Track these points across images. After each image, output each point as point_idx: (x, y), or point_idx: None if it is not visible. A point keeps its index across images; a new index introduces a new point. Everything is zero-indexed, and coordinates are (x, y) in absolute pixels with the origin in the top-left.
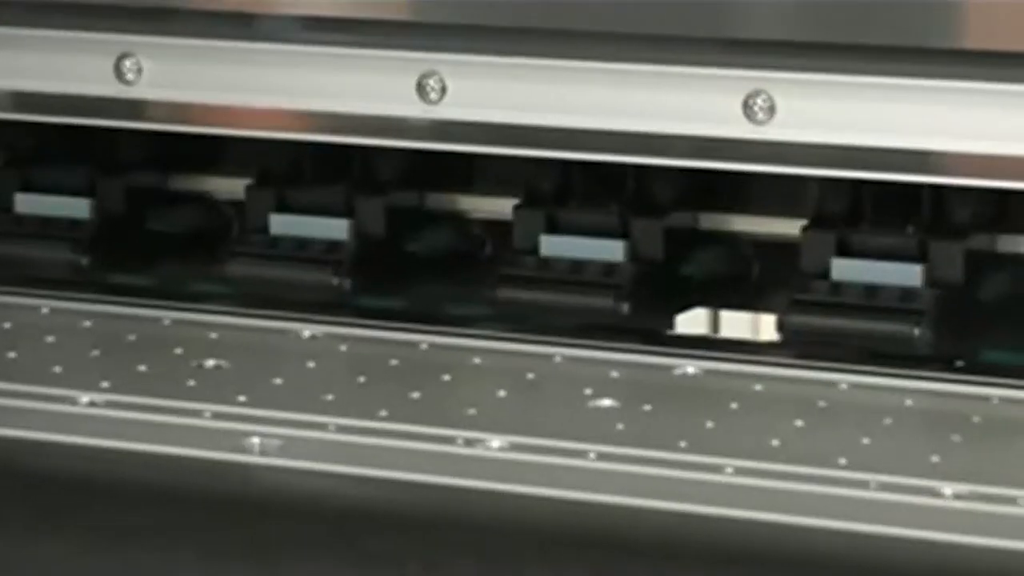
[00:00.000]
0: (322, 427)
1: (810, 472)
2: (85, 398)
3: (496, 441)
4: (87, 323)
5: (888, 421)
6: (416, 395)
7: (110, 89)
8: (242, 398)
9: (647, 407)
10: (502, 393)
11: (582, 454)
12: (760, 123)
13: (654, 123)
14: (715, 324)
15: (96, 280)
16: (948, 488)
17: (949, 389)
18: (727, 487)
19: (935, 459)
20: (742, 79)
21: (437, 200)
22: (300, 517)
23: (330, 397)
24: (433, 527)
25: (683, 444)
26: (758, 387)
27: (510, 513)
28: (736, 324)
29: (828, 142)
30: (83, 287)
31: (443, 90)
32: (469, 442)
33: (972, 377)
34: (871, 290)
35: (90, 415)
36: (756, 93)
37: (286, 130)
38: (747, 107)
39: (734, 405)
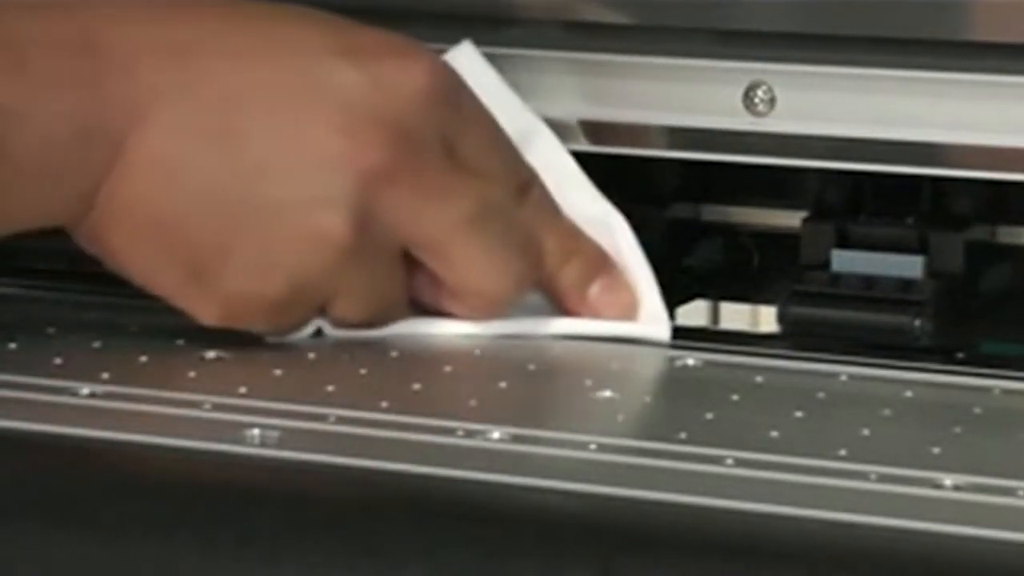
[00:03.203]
0: (323, 418)
1: (810, 463)
2: (85, 389)
3: (496, 432)
4: None
5: (888, 412)
6: (417, 386)
7: None
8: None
9: (647, 398)
10: (503, 384)
11: (582, 445)
12: (760, 115)
13: (652, 115)
14: (715, 315)
15: None
16: (949, 479)
17: (950, 380)
18: (727, 478)
19: (936, 450)
20: (743, 71)
21: None
22: (300, 508)
23: (331, 388)
24: (433, 519)
25: (683, 435)
26: (758, 379)
27: (510, 504)
28: (736, 315)
29: (829, 134)
30: None
31: None
32: (469, 433)
33: (973, 368)
34: (872, 281)
35: (91, 406)
36: (757, 85)
37: None
38: (747, 99)
39: (734, 396)
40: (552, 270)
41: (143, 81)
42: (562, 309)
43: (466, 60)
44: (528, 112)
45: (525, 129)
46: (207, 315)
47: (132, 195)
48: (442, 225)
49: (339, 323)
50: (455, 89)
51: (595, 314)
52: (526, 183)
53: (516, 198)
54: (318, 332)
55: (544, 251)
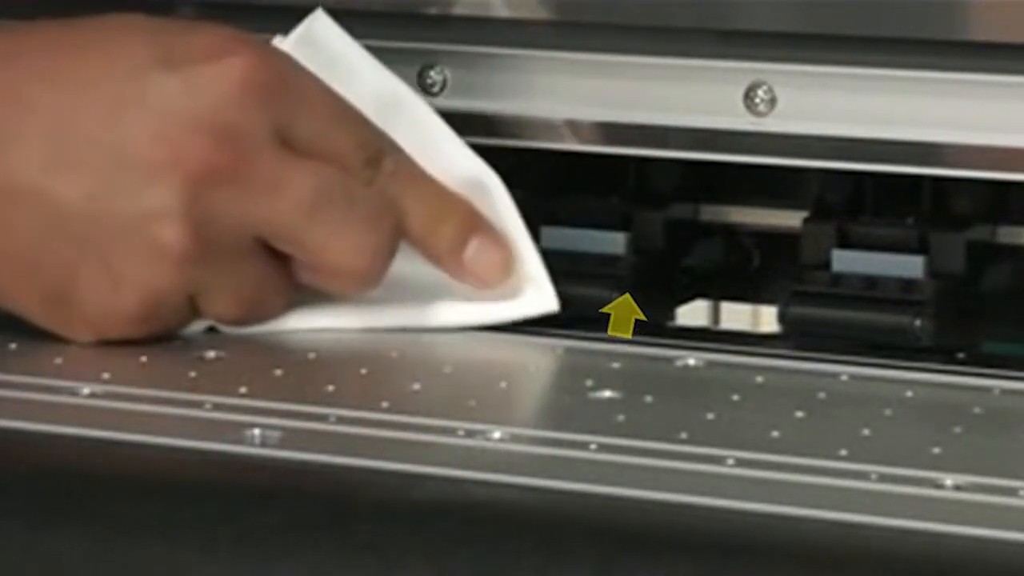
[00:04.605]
0: (323, 418)
1: (811, 463)
2: (86, 389)
3: (496, 432)
4: None
5: (889, 412)
6: (417, 386)
7: None
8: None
9: (648, 398)
10: (503, 384)
11: (582, 445)
12: (761, 115)
13: (653, 115)
14: (716, 316)
15: None
16: (949, 479)
17: (950, 380)
18: (727, 478)
19: (936, 450)
20: (743, 71)
21: None
22: (300, 508)
23: (331, 388)
24: (433, 519)
25: (683, 435)
26: (759, 378)
27: (510, 504)
28: (737, 315)
29: (829, 134)
30: None
31: None
32: (469, 433)
33: (973, 368)
34: (872, 281)
35: (91, 406)
36: (757, 85)
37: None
38: (748, 99)
39: (735, 396)
40: (423, 235)
41: None
42: (441, 272)
43: (320, 32)
44: (391, 78)
45: (389, 95)
46: (76, 334)
47: None
48: (283, 215)
49: (218, 320)
50: (279, 77)
51: (472, 275)
52: (377, 154)
53: (365, 171)
54: (211, 328)
55: (410, 219)
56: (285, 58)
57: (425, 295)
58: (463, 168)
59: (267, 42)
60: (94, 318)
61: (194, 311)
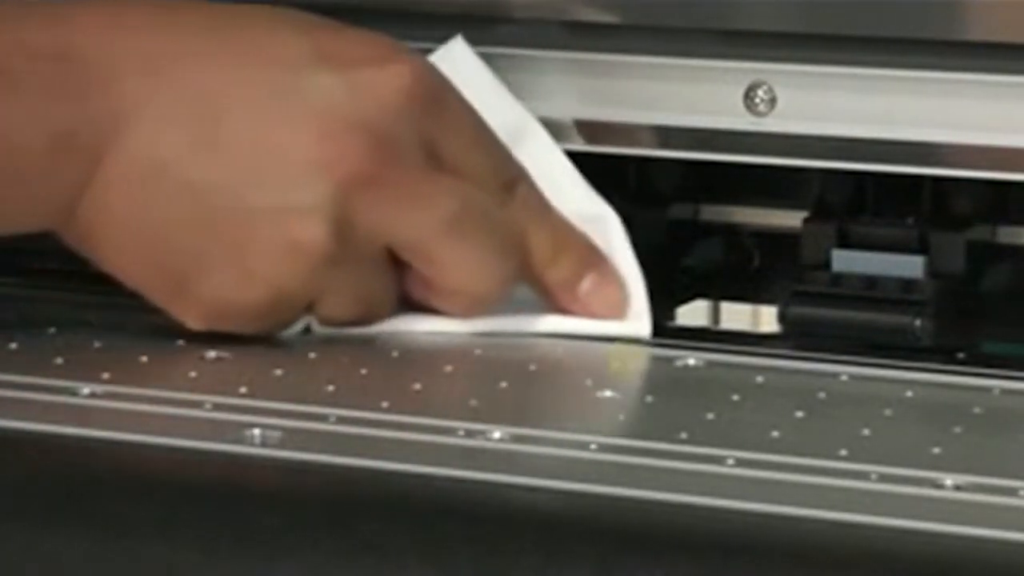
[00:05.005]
0: (324, 418)
1: (811, 463)
2: (86, 389)
3: (497, 432)
4: None
5: (889, 412)
6: (418, 386)
7: None
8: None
9: (648, 398)
10: (503, 384)
11: (583, 445)
12: (761, 115)
13: (653, 115)
14: (716, 316)
15: None
16: (949, 479)
17: (950, 380)
18: (727, 478)
19: (936, 450)
20: (743, 71)
21: None
22: (300, 508)
23: (331, 388)
24: (433, 519)
25: (683, 435)
26: (759, 378)
27: (510, 504)
28: (737, 315)
29: (829, 134)
30: None
31: None
32: (469, 433)
33: (973, 368)
34: (872, 281)
35: (91, 406)
36: (757, 84)
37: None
38: (748, 99)
39: (735, 396)
40: (541, 267)
41: (121, 93)
42: (552, 305)
43: (457, 56)
44: (520, 109)
45: (517, 126)
46: (192, 320)
47: (113, 206)
48: (423, 228)
49: (326, 322)
50: (436, 91)
51: (584, 310)
52: (512, 181)
53: (501, 197)
54: (307, 329)
55: (531, 248)
56: (440, 73)
57: (521, 303)
58: (583, 204)
59: (423, 54)
60: (217, 307)
61: (305, 311)
